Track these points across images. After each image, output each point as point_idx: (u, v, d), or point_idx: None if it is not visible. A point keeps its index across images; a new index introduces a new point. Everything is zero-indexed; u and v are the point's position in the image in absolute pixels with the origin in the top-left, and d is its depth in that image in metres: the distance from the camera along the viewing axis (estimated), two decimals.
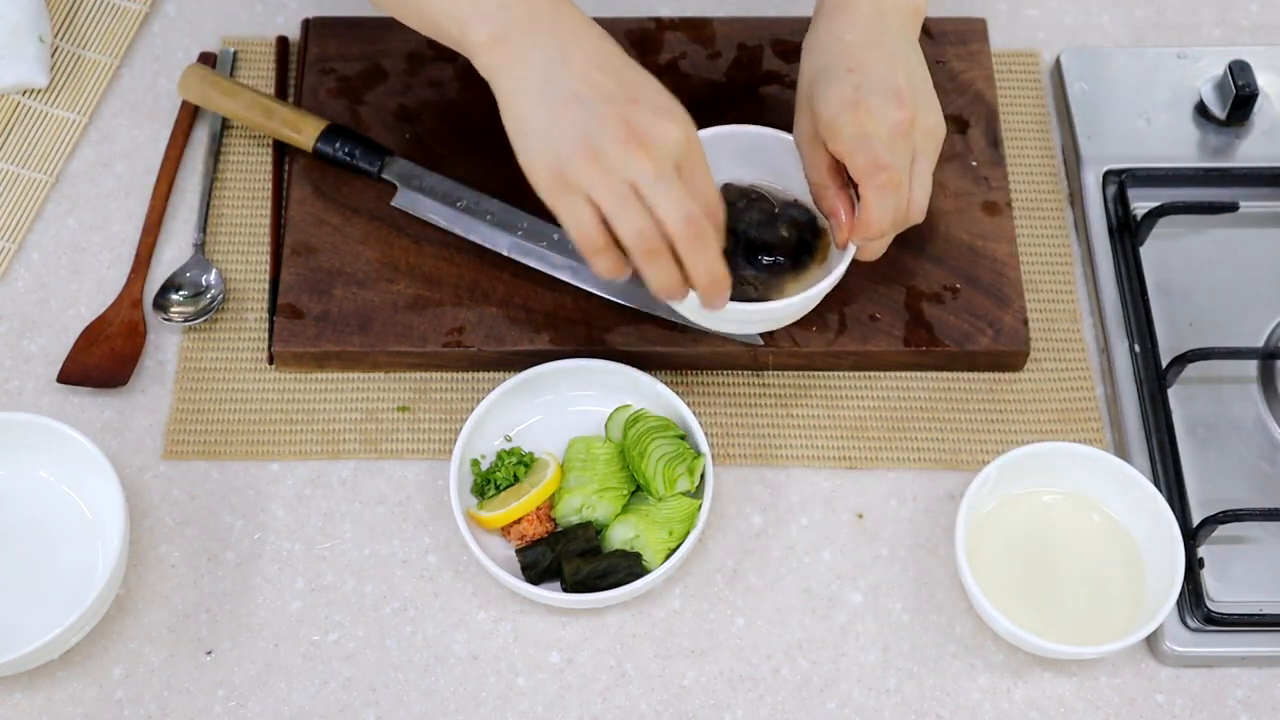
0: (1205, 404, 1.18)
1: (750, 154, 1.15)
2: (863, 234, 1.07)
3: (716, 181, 1.11)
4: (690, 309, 1.11)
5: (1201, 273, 1.24)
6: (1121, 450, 1.17)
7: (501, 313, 1.19)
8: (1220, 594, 1.11)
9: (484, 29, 1.05)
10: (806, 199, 1.14)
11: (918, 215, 1.09)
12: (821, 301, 1.20)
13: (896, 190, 1.05)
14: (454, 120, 1.28)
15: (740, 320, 1.12)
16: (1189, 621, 1.09)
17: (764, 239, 1.13)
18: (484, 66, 1.06)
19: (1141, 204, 1.25)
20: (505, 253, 1.20)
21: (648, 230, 1.01)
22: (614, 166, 1.00)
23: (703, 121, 1.27)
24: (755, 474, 1.17)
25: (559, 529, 1.12)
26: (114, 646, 1.09)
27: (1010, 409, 1.19)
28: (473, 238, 1.21)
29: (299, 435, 1.17)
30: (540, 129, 1.02)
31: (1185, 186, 1.27)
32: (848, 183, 1.08)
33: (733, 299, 1.08)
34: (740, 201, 1.15)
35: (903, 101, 1.05)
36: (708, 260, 1.02)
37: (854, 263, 1.16)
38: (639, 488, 1.13)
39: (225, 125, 1.30)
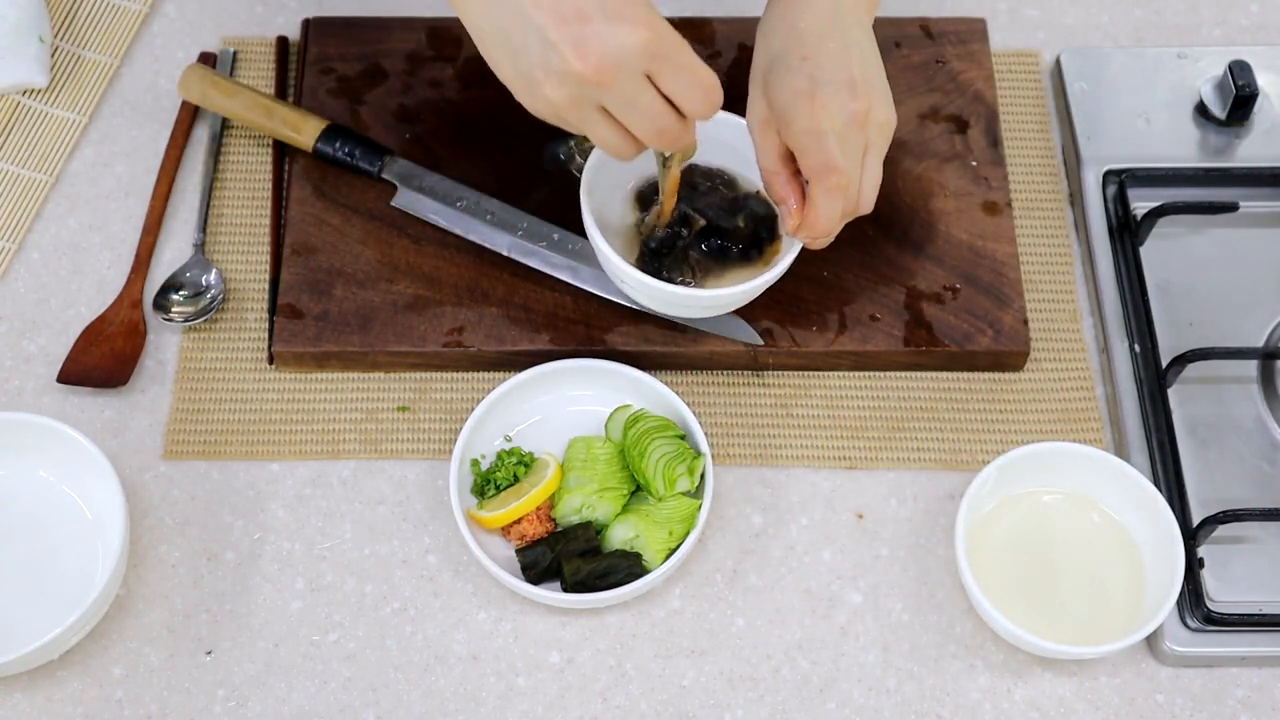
0: (1205, 404, 1.18)
1: (715, 137, 1.14)
2: (808, 232, 1.08)
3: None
4: (640, 294, 1.12)
5: (1201, 273, 1.24)
6: (1121, 450, 1.17)
7: (501, 313, 1.19)
8: (1220, 594, 1.11)
9: None
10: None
11: (866, 207, 1.09)
12: (821, 301, 1.20)
13: (845, 192, 1.05)
14: (454, 120, 1.28)
15: (683, 305, 1.13)
16: (1189, 621, 1.09)
17: (720, 224, 1.14)
18: None
19: (1141, 204, 1.25)
20: (505, 253, 1.20)
21: (625, 145, 1.01)
22: (580, 96, 0.96)
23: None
24: (755, 474, 1.17)
25: (559, 529, 1.12)
26: (114, 646, 1.09)
27: (1010, 409, 1.19)
28: (473, 238, 1.21)
29: (299, 435, 1.17)
30: (499, 51, 0.97)
31: (1185, 186, 1.27)
32: (799, 170, 1.08)
33: (676, 281, 1.12)
34: (704, 184, 1.16)
35: (856, 93, 1.05)
36: (677, 149, 1.02)
37: (846, 261, 1.16)
38: (639, 488, 1.13)
39: (225, 125, 1.30)
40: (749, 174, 1.16)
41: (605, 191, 1.15)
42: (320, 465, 1.17)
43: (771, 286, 1.19)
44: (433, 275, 1.21)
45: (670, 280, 1.12)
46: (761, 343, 1.18)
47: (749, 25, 1.32)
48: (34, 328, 1.21)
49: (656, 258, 1.14)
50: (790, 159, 1.08)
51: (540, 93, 0.96)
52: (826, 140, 1.04)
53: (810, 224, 1.07)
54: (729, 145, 1.15)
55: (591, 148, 1.24)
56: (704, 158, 1.15)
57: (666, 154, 1.07)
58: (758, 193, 1.16)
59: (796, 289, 1.19)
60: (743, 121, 1.12)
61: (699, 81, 0.97)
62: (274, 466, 1.16)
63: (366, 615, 1.11)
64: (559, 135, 1.26)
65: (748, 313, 1.18)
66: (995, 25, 1.36)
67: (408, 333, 1.18)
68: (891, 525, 1.15)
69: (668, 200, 1.11)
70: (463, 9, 0.98)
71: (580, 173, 1.24)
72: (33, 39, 1.30)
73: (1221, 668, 1.10)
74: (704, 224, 1.14)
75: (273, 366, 1.20)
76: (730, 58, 1.31)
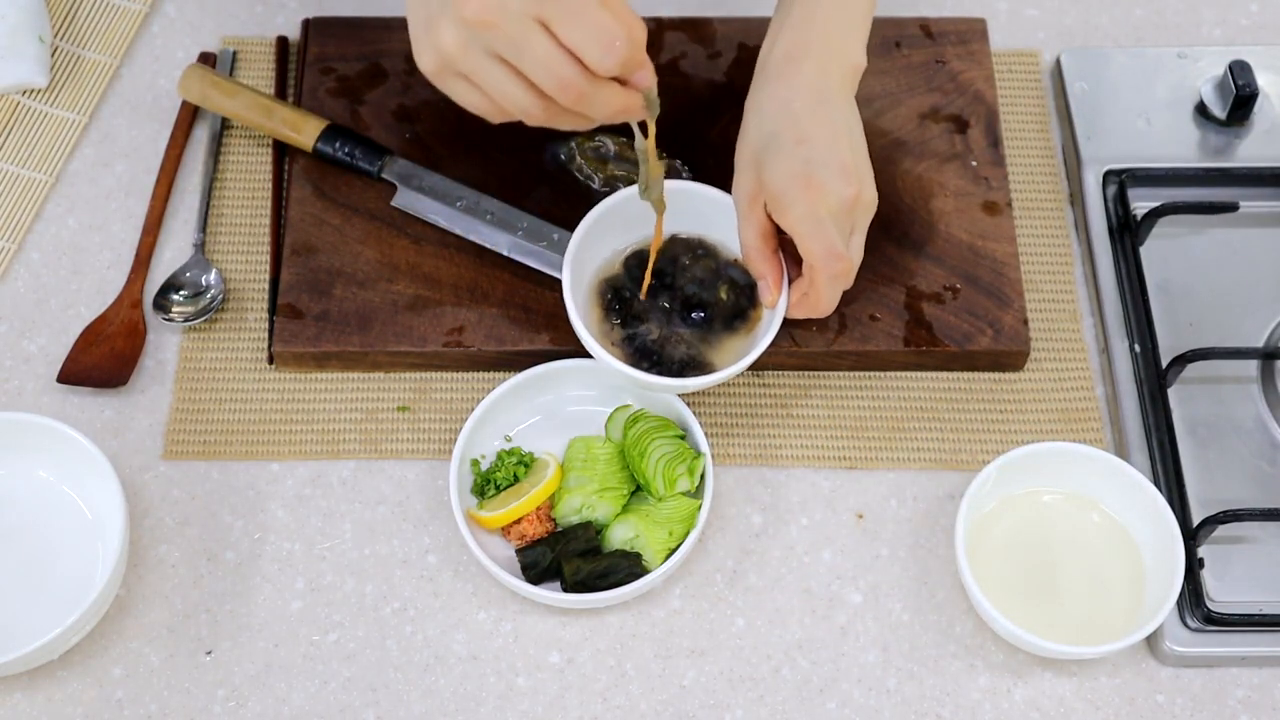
0: (1205, 404, 1.18)
1: (693, 208, 1.15)
2: (810, 314, 1.11)
3: (665, 233, 1.13)
4: (639, 384, 1.12)
5: (1201, 273, 1.24)
6: (1121, 450, 1.17)
7: (501, 313, 1.19)
8: (1220, 594, 1.11)
9: None
10: None
11: (849, 284, 1.11)
12: None
13: (848, 277, 1.08)
14: (454, 120, 1.28)
15: (664, 388, 1.12)
16: (1189, 621, 1.09)
17: (702, 297, 1.14)
18: None
19: (1141, 204, 1.25)
20: (505, 253, 1.20)
21: (527, 98, 0.95)
22: (468, 40, 0.92)
23: (700, 121, 1.28)
24: (755, 474, 1.17)
25: (559, 529, 1.12)
26: (114, 646, 1.09)
27: (1010, 409, 1.19)
28: (473, 238, 1.21)
29: (299, 435, 1.17)
30: (411, 13, 0.96)
31: (1185, 186, 1.27)
32: (779, 246, 1.10)
33: (661, 355, 1.12)
34: (686, 256, 1.15)
35: (849, 179, 1.07)
36: (600, 111, 0.96)
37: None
38: (639, 488, 1.13)
39: (225, 125, 1.30)
40: (727, 243, 1.16)
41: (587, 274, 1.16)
42: (320, 465, 1.17)
43: None
44: (433, 275, 1.21)
45: (671, 361, 1.12)
46: None
47: (749, 25, 1.32)
48: (34, 328, 1.21)
49: (646, 351, 1.13)
50: (773, 235, 1.10)
51: (434, 39, 0.93)
52: (826, 227, 1.06)
53: (813, 308, 1.10)
54: (706, 215, 1.15)
55: (593, 147, 1.24)
56: (684, 228, 1.16)
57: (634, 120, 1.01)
58: (736, 260, 1.16)
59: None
60: (719, 194, 1.14)
61: (597, 28, 0.91)
62: (274, 466, 1.16)
63: (366, 615, 1.11)
64: (559, 135, 1.26)
65: None
66: (995, 25, 1.36)
67: (408, 333, 1.18)
68: (891, 525, 1.15)
69: (652, 169, 1.06)
70: None
71: (580, 174, 1.24)
72: (33, 39, 1.30)
73: (1221, 668, 1.10)
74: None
75: (273, 366, 1.20)
76: (730, 58, 1.31)
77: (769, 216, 1.09)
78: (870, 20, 1.15)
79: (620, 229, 1.16)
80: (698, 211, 1.15)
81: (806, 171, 1.06)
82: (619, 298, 1.14)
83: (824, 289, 1.08)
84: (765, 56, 1.14)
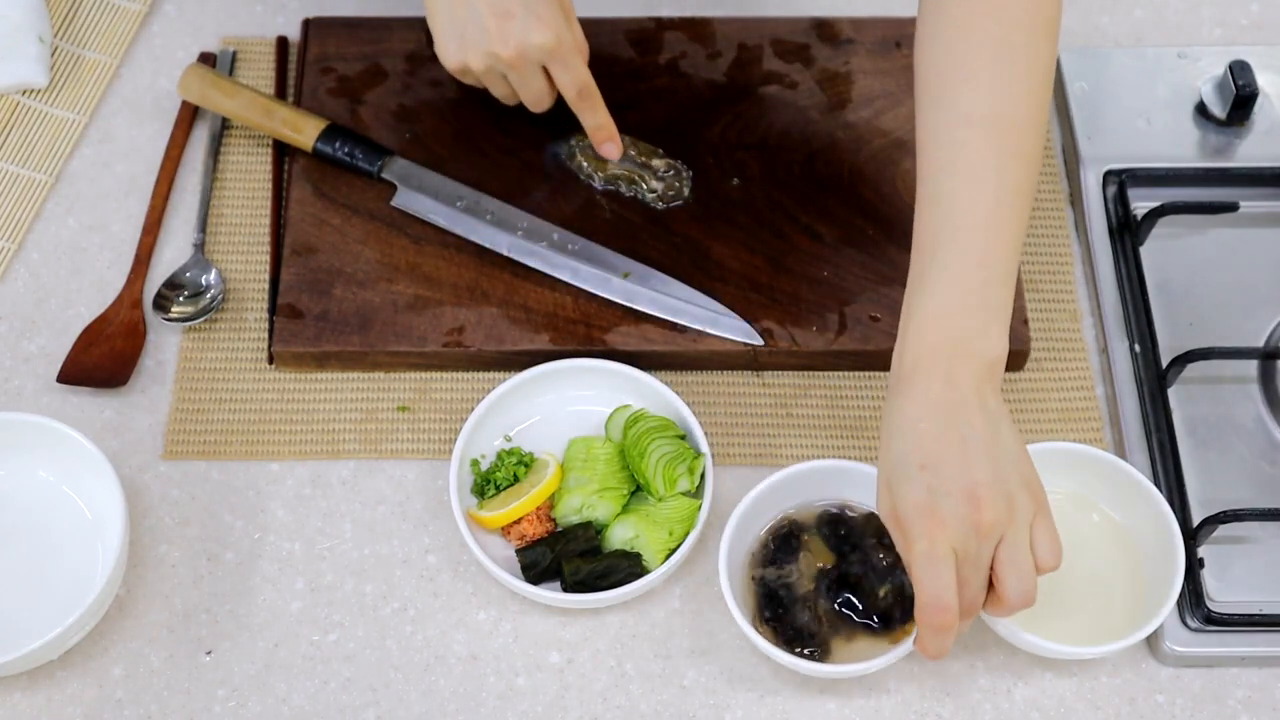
0: (1205, 404, 1.18)
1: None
2: (923, 653, 1.01)
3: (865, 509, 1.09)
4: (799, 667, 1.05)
5: (1201, 273, 1.24)
6: (1121, 450, 1.17)
7: (501, 313, 1.19)
8: (1220, 594, 1.11)
9: None
10: None
11: (1019, 604, 0.99)
12: (821, 301, 1.20)
13: (949, 631, 0.98)
14: (454, 120, 1.28)
15: (799, 669, 1.06)
16: (1189, 621, 1.09)
17: (860, 584, 1.07)
18: None
19: (1141, 204, 1.25)
20: (505, 253, 1.20)
21: (512, 99, 1.23)
22: (493, 67, 1.19)
23: (700, 121, 1.28)
24: (755, 474, 1.16)
25: (559, 529, 1.12)
26: (114, 646, 1.09)
27: (1010, 409, 1.19)
28: (473, 238, 1.21)
29: (299, 435, 1.17)
30: (444, 18, 1.17)
31: (1185, 186, 1.27)
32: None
33: (792, 627, 1.06)
34: (873, 537, 1.08)
35: (978, 503, 0.96)
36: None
37: (846, 261, 1.14)
38: (639, 488, 1.13)
39: (225, 125, 1.30)
40: None
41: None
42: (320, 465, 1.17)
43: (772, 286, 1.19)
44: (433, 275, 1.21)
45: (795, 630, 1.06)
46: (762, 343, 1.18)
47: (749, 25, 1.32)
48: (34, 328, 1.21)
49: (783, 606, 1.07)
50: None
51: (464, 57, 1.18)
52: (940, 571, 0.97)
53: (921, 648, 1.00)
54: None
55: (593, 145, 1.24)
56: (869, 502, 1.08)
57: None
58: None
59: (796, 289, 1.19)
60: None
61: (576, 79, 1.20)
62: (274, 466, 1.16)
63: (366, 615, 1.11)
64: (559, 135, 1.26)
65: (748, 312, 1.18)
66: None
67: (408, 333, 1.18)
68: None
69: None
70: None
71: (581, 173, 1.24)
72: (33, 39, 1.30)
73: (1221, 668, 1.10)
74: None
75: (273, 366, 1.20)
76: (730, 58, 1.31)
77: None
78: (1011, 295, 1.02)
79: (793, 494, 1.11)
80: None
81: (931, 502, 0.97)
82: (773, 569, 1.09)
83: (924, 636, 0.99)
84: (897, 362, 1.02)
